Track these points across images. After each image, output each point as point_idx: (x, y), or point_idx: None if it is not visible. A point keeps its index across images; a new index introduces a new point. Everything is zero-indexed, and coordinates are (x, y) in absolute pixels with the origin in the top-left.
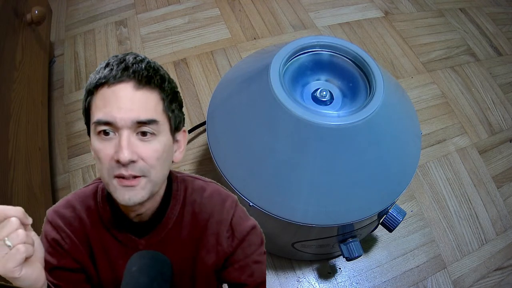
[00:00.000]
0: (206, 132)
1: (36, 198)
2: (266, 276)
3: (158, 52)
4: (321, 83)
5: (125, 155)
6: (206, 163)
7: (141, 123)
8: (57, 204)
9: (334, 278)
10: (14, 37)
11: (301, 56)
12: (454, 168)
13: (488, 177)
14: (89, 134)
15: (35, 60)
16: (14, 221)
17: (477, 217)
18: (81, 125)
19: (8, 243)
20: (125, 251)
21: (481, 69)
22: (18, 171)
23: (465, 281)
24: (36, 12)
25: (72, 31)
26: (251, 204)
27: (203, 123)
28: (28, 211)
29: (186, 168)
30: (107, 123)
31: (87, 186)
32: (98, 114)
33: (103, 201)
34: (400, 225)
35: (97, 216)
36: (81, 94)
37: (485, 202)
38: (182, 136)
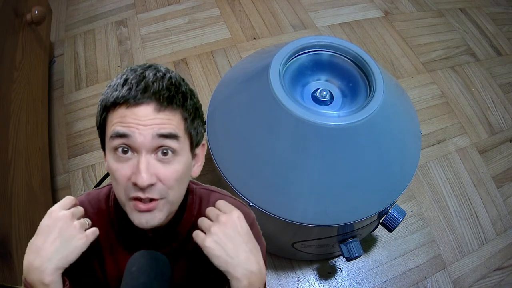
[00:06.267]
0: (206, 132)
1: (36, 198)
2: (266, 276)
3: (158, 52)
4: (321, 83)
5: (144, 180)
6: (206, 163)
7: (162, 136)
8: None
9: (334, 278)
10: (14, 37)
11: (301, 56)
12: (454, 168)
13: (488, 177)
14: (103, 148)
15: (35, 60)
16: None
17: (477, 217)
18: (81, 125)
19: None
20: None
21: (481, 69)
22: (18, 171)
23: (465, 281)
24: (36, 12)
25: (72, 31)
26: (251, 204)
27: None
28: (28, 211)
29: None
30: (124, 136)
31: (101, 188)
32: (115, 128)
33: (114, 206)
34: (400, 225)
35: (108, 221)
36: (81, 94)
37: (485, 202)
38: (201, 150)
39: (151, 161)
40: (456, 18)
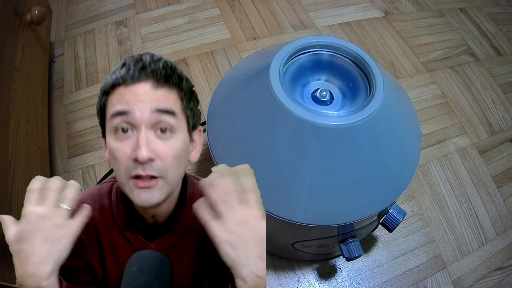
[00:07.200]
0: (206, 132)
1: None
2: (266, 276)
3: (158, 52)
4: (321, 83)
5: (143, 153)
6: (206, 163)
7: (160, 111)
8: None
9: (334, 278)
10: (14, 37)
11: (301, 56)
12: (454, 168)
13: (488, 177)
14: (103, 135)
15: (35, 60)
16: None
17: (477, 217)
18: (81, 125)
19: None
20: (133, 253)
21: (481, 69)
22: (18, 171)
23: (465, 281)
24: (36, 12)
25: (72, 31)
26: None
27: (203, 123)
28: None
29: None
30: (124, 113)
31: (102, 184)
32: (115, 107)
33: (117, 200)
34: (400, 225)
35: (110, 216)
36: (81, 94)
37: (485, 202)
38: (198, 136)
39: (150, 136)
40: (456, 18)
